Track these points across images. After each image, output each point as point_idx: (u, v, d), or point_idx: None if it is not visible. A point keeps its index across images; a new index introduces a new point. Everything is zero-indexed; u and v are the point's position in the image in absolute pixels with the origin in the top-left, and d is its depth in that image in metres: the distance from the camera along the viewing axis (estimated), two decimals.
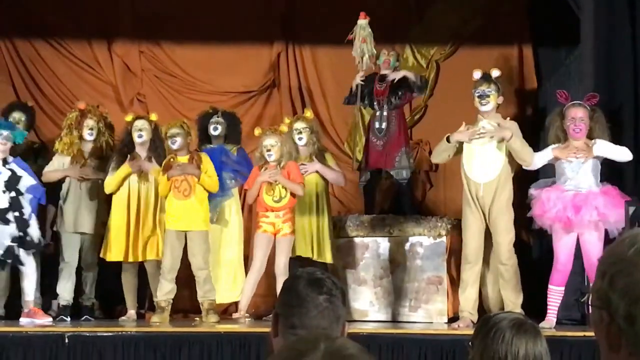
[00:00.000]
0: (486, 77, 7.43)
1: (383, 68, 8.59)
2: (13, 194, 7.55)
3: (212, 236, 8.29)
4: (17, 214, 7.52)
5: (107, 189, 8.17)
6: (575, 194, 7.09)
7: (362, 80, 8.54)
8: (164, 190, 7.93)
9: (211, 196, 8.23)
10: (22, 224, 7.53)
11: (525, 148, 7.26)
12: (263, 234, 7.75)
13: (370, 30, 8.42)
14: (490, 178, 7.30)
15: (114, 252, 8.16)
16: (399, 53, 8.90)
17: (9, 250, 7.50)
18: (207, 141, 8.74)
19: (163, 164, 7.97)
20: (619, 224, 6.99)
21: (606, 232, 7.05)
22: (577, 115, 7.18)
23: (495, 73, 7.47)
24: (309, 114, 8.42)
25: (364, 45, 8.41)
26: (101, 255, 8.20)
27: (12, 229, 7.51)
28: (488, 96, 7.35)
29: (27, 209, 7.61)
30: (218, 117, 8.74)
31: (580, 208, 7.02)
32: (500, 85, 7.49)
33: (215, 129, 8.64)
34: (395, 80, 8.48)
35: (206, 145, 8.71)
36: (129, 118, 8.39)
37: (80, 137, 8.33)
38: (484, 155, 7.34)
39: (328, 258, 8.08)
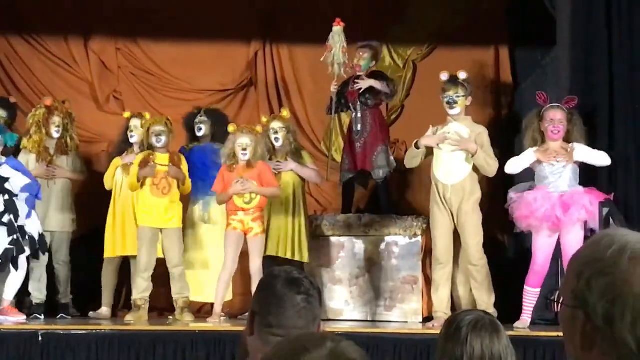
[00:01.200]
0: (453, 81, 7.47)
1: (356, 71, 8.55)
2: (7, 196, 7.50)
3: (202, 235, 8.30)
4: (12, 216, 7.48)
5: (106, 185, 8.27)
6: (561, 194, 7.12)
7: (336, 87, 8.50)
8: (134, 186, 7.91)
9: (201, 195, 8.24)
10: (17, 226, 7.49)
11: (490, 161, 7.30)
12: (233, 232, 7.68)
13: (341, 38, 8.34)
14: (457, 180, 7.35)
15: (106, 248, 8.20)
16: (376, 50, 8.71)
17: (6, 253, 7.45)
18: (195, 140, 8.71)
19: (140, 159, 7.91)
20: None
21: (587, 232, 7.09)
22: (556, 117, 7.22)
23: (462, 75, 7.51)
24: (285, 113, 8.40)
25: (329, 53, 8.36)
26: (105, 256, 8.23)
27: (8, 232, 7.46)
28: (456, 102, 7.41)
29: (24, 210, 7.57)
30: (201, 116, 8.70)
31: (569, 207, 7.04)
32: (469, 86, 7.53)
33: (200, 130, 8.60)
34: (362, 89, 8.43)
35: (195, 143, 8.67)
36: (126, 115, 8.46)
37: (47, 134, 8.28)
38: (452, 157, 7.38)
39: (305, 257, 8.08)
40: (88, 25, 9.79)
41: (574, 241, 7.00)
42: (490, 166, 7.31)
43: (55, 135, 8.29)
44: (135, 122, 8.29)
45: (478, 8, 9.46)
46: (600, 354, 1.51)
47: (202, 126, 8.62)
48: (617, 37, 7.68)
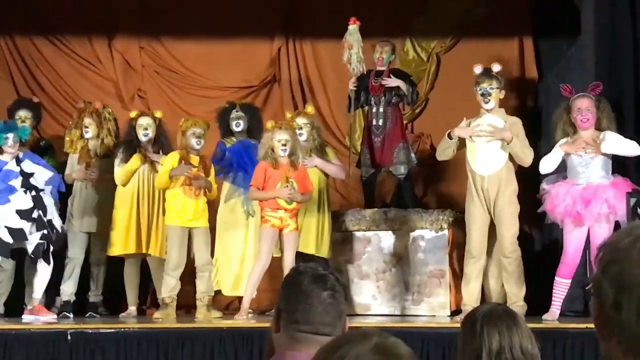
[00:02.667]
0: (487, 73, 7.43)
1: (378, 65, 8.58)
2: (34, 192, 7.57)
3: (244, 230, 8.34)
4: (40, 212, 7.55)
5: (119, 181, 8.16)
6: (585, 187, 7.09)
7: (354, 84, 8.51)
8: (163, 183, 7.91)
9: (245, 190, 8.16)
10: (47, 221, 7.56)
11: (525, 150, 7.28)
12: (271, 228, 7.66)
13: (358, 36, 8.36)
14: (494, 170, 7.31)
15: (117, 246, 8.16)
16: (394, 45, 8.79)
17: (38, 248, 7.53)
18: (230, 134, 8.65)
19: (177, 158, 7.89)
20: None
21: (617, 224, 7.03)
22: (583, 105, 7.18)
23: (496, 68, 7.48)
24: (310, 109, 8.41)
25: (350, 51, 8.37)
26: (108, 253, 8.21)
27: (37, 227, 7.52)
28: (490, 94, 7.37)
29: (51, 204, 7.65)
30: (237, 111, 8.64)
31: (589, 201, 7.01)
32: (502, 78, 7.50)
33: (238, 125, 8.53)
34: (387, 85, 8.47)
35: (231, 138, 8.62)
36: (133, 114, 8.37)
37: (82, 136, 8.36)
38: (487, 148, 7.35)
39: (324, 253, 8.09)
40: (111, 25, 9.84)
41: (601, 233, 6.97)
42: (526, 155, 7.28)
43: (87, 135, 8.34)
44: (147, 120, 8.23)
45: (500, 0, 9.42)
46: (616, 342, 1.51)
47: (241, 121, 8.57)
48: None
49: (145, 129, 8.17)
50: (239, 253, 8.41)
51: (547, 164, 7.30)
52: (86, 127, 8.34)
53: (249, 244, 8.40)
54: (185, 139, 7.98)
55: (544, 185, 7.35)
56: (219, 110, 8.80)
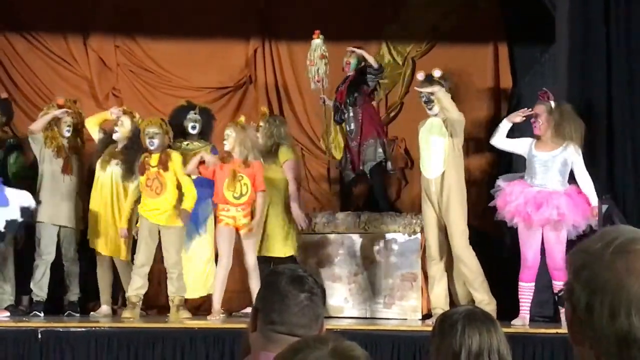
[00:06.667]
0: (429, 80, 7.51)
1: (345, 70, 8.60)
2: None
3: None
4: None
5: (87, 124, 8.28)
6: (539, 190, 7.14)
7: (324, 98, 8.57)
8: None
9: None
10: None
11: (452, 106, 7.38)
12: (225, 227, 7.74)
13: (318, 52, 8.39)
14: (439, 172, 7.39)
15: (94, 241, 8.21)
16: (361, 56, 8.77)
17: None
18: (181, 136, 8.63)
19: (139, 164, 7.91)
20: (579, 227, 7.04)
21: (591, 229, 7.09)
22: (535, 111, 7.30)
23: (437, 73, 7.55)
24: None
25: (311, 67, 8.42)
26: (90, 246, 8.23)
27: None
28: (432, 101, 7.45)
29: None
30: (195, 113, 8.64)
31: (541, 205, 7.07)
32: (446, 83, 7.55)
33: (194, 128, 8.51)
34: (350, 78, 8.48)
35: (181, 140, 8.59)
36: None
37: (60, 134, 8.32)
38: (432, 151, 7.42)
39: (291, 251, 8.11)
40: (87, 23, 9.79)
41: (552, 239, 7.06)
42: (454, 107, 7.37)
43: (66, 134, 8.33)
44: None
45: (475, 6, 9.46)
46: (589, 347, 1.53)
47: (197, 125, 8.55)
48: (615, 34, 7.68)
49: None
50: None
51: (495, 136, 7.41)
52: (69, 126, 8.32)
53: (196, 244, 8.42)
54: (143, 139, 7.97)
55: (500, 182, 7.40)
56: (174, 108, 8.76)
